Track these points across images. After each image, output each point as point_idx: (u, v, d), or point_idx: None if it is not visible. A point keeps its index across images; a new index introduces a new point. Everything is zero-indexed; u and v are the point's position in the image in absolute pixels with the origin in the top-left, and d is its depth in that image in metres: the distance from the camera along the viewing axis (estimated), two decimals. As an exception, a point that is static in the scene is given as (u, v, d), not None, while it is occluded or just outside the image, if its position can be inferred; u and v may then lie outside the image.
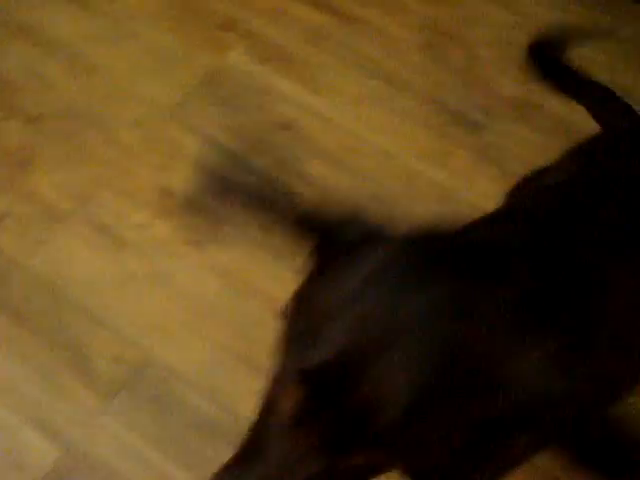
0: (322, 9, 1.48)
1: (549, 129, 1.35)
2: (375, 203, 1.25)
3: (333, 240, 0.52)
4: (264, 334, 0.82)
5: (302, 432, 0.44)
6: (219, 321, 1.12)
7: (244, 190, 1.24)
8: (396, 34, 1.46)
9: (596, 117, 0.99)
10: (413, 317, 0.44)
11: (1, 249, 1.17)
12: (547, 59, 1.04)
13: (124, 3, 1.45)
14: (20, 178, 1.24)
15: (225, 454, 0.48)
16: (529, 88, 1.40)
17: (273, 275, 1.15)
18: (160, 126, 1.31)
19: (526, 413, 0.46)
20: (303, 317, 0.49)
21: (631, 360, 0.66)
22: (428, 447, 0.45)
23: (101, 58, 1.38)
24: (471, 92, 1.40)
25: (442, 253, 0.49)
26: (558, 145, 0.95)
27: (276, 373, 0.50)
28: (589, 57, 1.32)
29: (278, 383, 0.49)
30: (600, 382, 0.61)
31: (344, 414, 0.43)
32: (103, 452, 1.01)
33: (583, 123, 1.04)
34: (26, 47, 1.38)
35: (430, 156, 1.31)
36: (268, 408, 0.49)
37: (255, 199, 1.24)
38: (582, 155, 0.87)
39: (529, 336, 0.47)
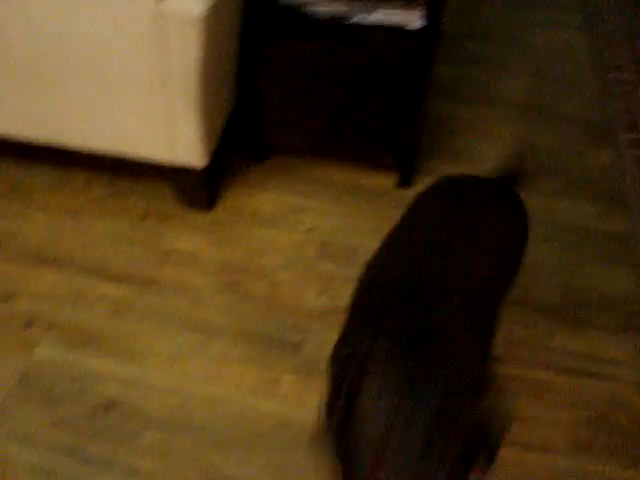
0: (118, 281, 1.53)
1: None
2: (218, 452, 1.23)
3: None
4: None
5: None
6: None
7: None
8: (195, 283, 1.54)
9: None
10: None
11: None
12: None
13: None
14: None
15: None
16: (330, 296, 1.50)
17: None
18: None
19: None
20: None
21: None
22: None
23: None
24: (279, 316, 1.47)
25: None
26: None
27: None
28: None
29: None
30: None
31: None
32: None
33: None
34: None
35: (259, 388, 1.33)
36: None
37: None
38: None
39: None
